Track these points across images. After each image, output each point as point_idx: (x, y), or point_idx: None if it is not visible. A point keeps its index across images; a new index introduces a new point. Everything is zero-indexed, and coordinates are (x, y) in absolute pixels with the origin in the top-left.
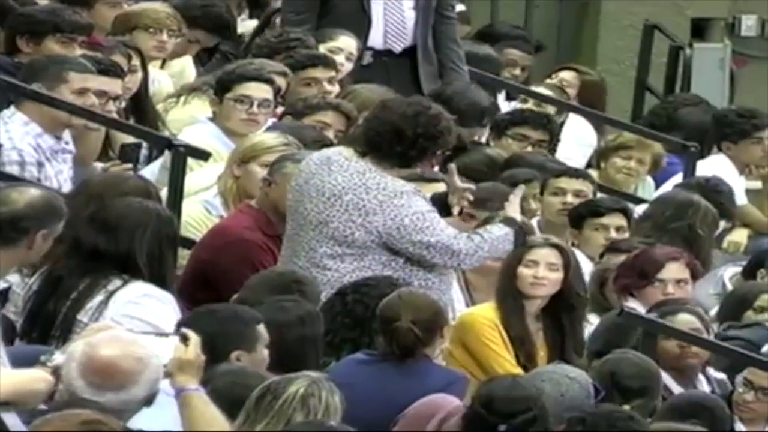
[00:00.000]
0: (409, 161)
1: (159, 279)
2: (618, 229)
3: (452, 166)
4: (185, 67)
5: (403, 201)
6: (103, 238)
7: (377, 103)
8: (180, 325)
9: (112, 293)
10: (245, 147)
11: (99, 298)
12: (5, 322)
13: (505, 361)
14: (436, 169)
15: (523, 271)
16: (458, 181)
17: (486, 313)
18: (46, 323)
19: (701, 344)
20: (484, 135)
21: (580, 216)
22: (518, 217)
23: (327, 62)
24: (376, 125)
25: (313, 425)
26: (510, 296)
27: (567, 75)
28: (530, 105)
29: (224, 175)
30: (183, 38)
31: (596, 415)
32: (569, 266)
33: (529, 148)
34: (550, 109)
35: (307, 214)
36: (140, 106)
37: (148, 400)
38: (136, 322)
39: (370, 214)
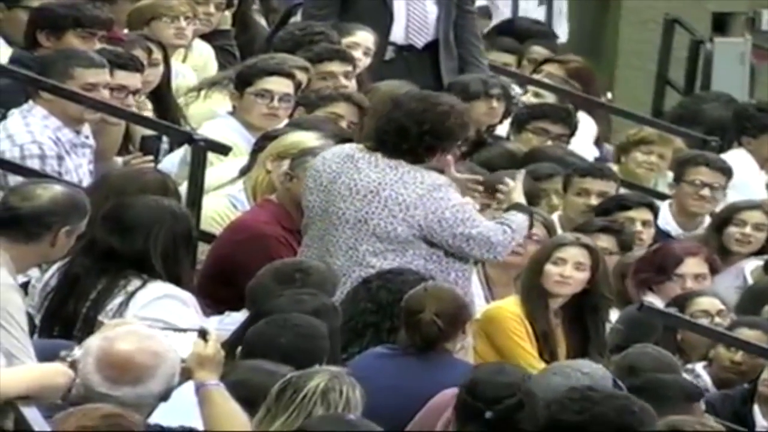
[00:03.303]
0: (418, 157)
1: (174, 278)
2: (644, 223)
3: (448, 158)
4: (208, 61)
5: (442, 194)
6: (117, 238)
7: (389, 100)
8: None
9: (132, 294)
10: (285, 143)
11: (119, 299)
12: None
13: (530, 356)
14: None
15: (550, 268)
16: (455, 173)
17: (512, 308)
18: (66, 322)
19: (719, 337)
20: (504, 128)
21: (607, 210)
22: (524, 201)
23: (344, 56)
24: (384, 123)
25: (331, 419)
26: (535, 292)
27: (551, 68)
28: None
29: (255, 169)
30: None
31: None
32: (597, 267)
33: (549, 142)
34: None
35: (342, 213)
36: (161, 99)
37: (165, 395)
38: (157, 324)
39: (411, 209)
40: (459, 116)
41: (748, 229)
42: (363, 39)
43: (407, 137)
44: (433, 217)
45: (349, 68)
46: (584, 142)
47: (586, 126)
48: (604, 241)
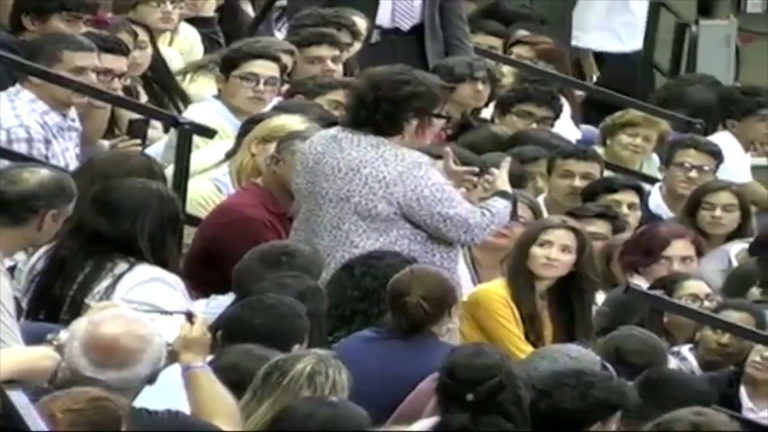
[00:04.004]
0: (380, 128)
1: (161, 261)
2: (630, 206)
3: (447, 149)
4: (193, 45)
5: (422, 172)
6: (104, 221)
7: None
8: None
9: (119, 277)
10: (270, 126)
11: (106, 282)
12: None
13: (516, 338)
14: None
15: (536, 250)
16: (453, 165)
17: (498, 290)
18: (53, 305)
19: (705, 320)
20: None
21: (594, 192)
22: (509, 188)
23: (332, 41)
24: (348, 95)
25: (313, 401)
26: (521, 274)
27: (521, 50)
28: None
29: (240, 152)
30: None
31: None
32: (583, 250)
33: (534, 125)
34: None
35: (325, 193)
36: (152, 82)
37: (151, 379)
38: (143, 307)
39: (390, 186)
40: (419, 85)
41: (718, 212)
42: (357, 24)
43: (364, 103)
44: (412, 195)
45: (337, 52)
46: (565, 124)
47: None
48: (599, 227)
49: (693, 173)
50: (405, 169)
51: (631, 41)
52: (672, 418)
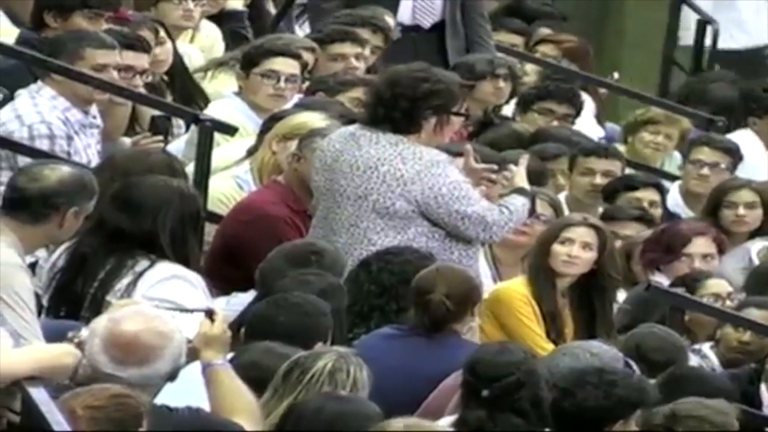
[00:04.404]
0: (398, 126)
1: (182, 258)
2: (651, 203)
3: (468, 147)
4: (215, 42)
5: (440, 170)
6: (126, 218)
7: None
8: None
9: (140, 274)
10: (291, 124)
11: (127, 279)
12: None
13: (537, 336)
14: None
15: (557, 248)
16: (474, 162)
17: (519, 288)
18: (74, 303)
19: (726, 318)
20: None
21: (615, 190)
22: (527, 185)
23: (355, 38)
24: (367, 93)
25: (323, 396)
26: (542, 272)
27: (546, 48)
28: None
29: (261, 150)
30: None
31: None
32: (604, 247)
33: (555, 123)
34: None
35: (343, 190)
36: (174, 78)
37: (172, 376)
38: (164, 304)
39: (408, 183)
40: (438, 83)
41: (741, 210)
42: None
43: (382, 101)
44: (429, 193)
45: (360, 50)
46: (588, 122)
47: (586, 105)
48: (635, 230)
49: (705, 170)
50: (423, 167)
51: (743, 37)
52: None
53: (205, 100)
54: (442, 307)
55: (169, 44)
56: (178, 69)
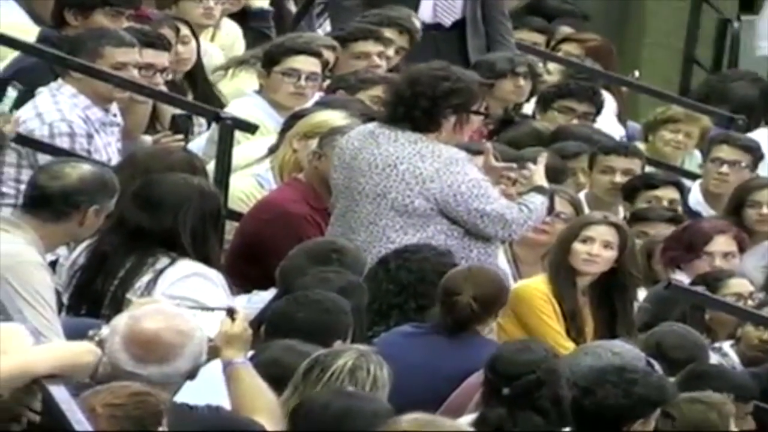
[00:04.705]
0: (417, 124)
1: (203, 256)
2: (671, 202)
3: (488, 145)
4: (235, 40)
5: (459, 168)
6: (146, 216)
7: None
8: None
9: (160, 272)
10: (312, 122)
11: (147, 277)
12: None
13: (557, 335)
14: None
15: (577, 246)
16: (494, 160)
17: (539, 286)
18: (94, 301)
19: (746, 316)
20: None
21: (635, 188)
22: (545, 183)
23: (378, 36)
24: (387, 91)
25: (333, 392)
26: (562, 270)
27: (570, 47)
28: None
29: (282, 148)
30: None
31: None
32: (625, 246)
33: (575, 121)
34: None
35: (362, 188)
36: (194, 77)
37: (192, 374)
38: (185, 302)
39: (427, 182)
40: (457, 81)
41: (765, 209)
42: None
43: (401, 99)
44: (449, 191)
45: (382, 48)
46: (609, 120)
47: (608, 104)
48: (666, 231)
49: (725, 168)
50: (442, 166)
51: None
52: None
53: (220, 104)
54: (467, 310)
55: (193, 43)
56: (200, 67)
